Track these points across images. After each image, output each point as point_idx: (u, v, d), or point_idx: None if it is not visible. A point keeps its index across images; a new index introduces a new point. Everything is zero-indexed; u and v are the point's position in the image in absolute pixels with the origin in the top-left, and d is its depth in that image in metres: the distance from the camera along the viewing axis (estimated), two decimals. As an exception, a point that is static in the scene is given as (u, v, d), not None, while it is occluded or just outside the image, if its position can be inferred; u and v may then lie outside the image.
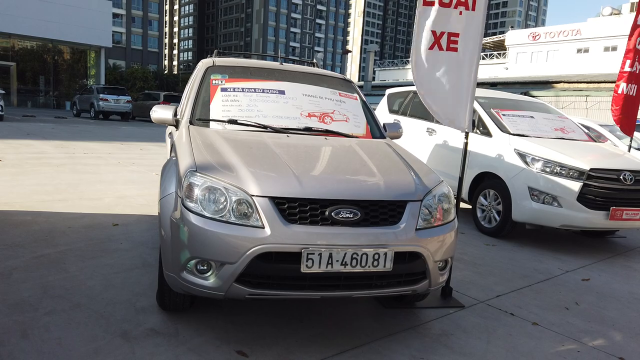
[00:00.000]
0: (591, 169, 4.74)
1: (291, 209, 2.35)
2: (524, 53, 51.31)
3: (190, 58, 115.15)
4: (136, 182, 6.81)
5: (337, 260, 2.32)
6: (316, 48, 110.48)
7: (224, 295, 2.38)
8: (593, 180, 4.74)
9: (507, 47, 52.97)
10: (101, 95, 23.00)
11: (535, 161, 4.97)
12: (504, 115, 5.79)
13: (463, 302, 3.42)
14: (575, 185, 4.73)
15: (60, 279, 3.24)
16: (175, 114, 3.51)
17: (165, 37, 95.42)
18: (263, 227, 2.31)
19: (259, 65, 3.96)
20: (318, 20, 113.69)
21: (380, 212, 2.46)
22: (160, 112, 3.49)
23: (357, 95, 3.96)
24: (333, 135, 3.39)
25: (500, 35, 56.64)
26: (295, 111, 3.53)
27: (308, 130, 3.39)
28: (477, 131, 5.79)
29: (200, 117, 3.38)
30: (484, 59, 57.18)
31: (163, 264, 2.58)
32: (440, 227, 2.62)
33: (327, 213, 2.37)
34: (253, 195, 2.35)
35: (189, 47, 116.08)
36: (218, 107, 3.44)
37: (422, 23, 3.17)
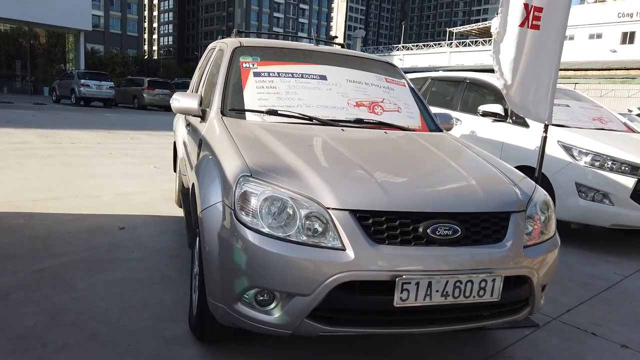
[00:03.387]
0: (646, 164, 4.35)
1: (377, 226, 1.87)
2: (510, 40, 51.15)
3: (170, 43, 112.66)
4: (134, 176, 6.23)
5: (437, 291, 1.85)
6: (300, 33, 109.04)
7: (292, 333, 1.89)
8: (648, 176, 4.34)
9: (493, 34, 52.75)
10: (82, 81, 21.99)
11: (582, 154, 4.55)
12: (539, 104, 5.35)
13: (535, 319, 2.99)
14: (629, 182, 4.33)
15: (68, 299, 2.72)
16: (200, 103, 2.97)
17: (145, 21, 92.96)
18: (344, 249, 1.82)
19: (293, 46, 3.44)
20: (301, 5, 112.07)
21: (482, 226, 1.99)
22: (183, 101, 2.95)
23: (405, 81, 3.47)
24: (389, 129, 2.90)
25: (486, 22, 56.38)
26: (341, 100, 3.03)
27: (359, 122, 2.89)
28: (510, 120, 5.36)
29: (234, 107, 2.86)
30: (469, 45, 56.99)
31: (208, 291, 2.07)
32: (545, 243, 2.17)
33: (420, 230, 1.89)
34: (329, 208, 1.86)
35: (169, 31, 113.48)
36: (252, 94, 2.92)
37: None
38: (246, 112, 2.81)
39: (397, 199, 1.91)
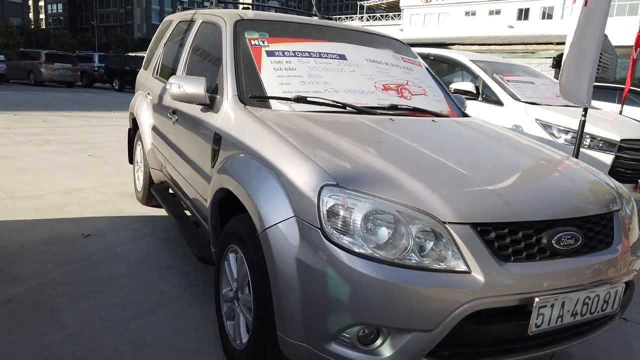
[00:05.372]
0: (622, 140, 4.46)
1: (501, 240, 1.58)
2: (418, 15, 52.55)
3: (60, 11, 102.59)
4: (71, 169, 5.40)
5: (569, 311, 1.62)
6: (206, 3, 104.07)
7: (403, 375, 1.57)
8: (624, 151, 4.47)
9: (401, 8, 53.89)
10: (-35, 54, 19.22)
11: (562, 132, 4.58)
12: (508, 81, 5.33)
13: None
14: (608, 158, 4.43)
15: (61, 340, 2.16)
16: (206, 89, 2.47)
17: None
18: (469, 272, 1.52)
19: (300, 20, 2.99)
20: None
21: (595, 231, 1.78)
22: (186, 87, 2.42)
23: (420, 61, 3.18)
24: (428, 115, 2.61)
25: (394, -4, 57.39)
26: (367, 83, 2.67)
27: (393, 108, 2.56)
28: (480, 99, 5.30)
29: (254, 94, 2.39)
30: (378, 19, 57.91)
31: (280, 325, 1.68)
32: (638, 242, 2.01)
33: (544, 241, 1.63)
34: (446, 223, 1.54)
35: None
36: (272, 78, 2.47)
37: None
38: (270, 100, 2.37)
39: (516, 206, 1.63)
